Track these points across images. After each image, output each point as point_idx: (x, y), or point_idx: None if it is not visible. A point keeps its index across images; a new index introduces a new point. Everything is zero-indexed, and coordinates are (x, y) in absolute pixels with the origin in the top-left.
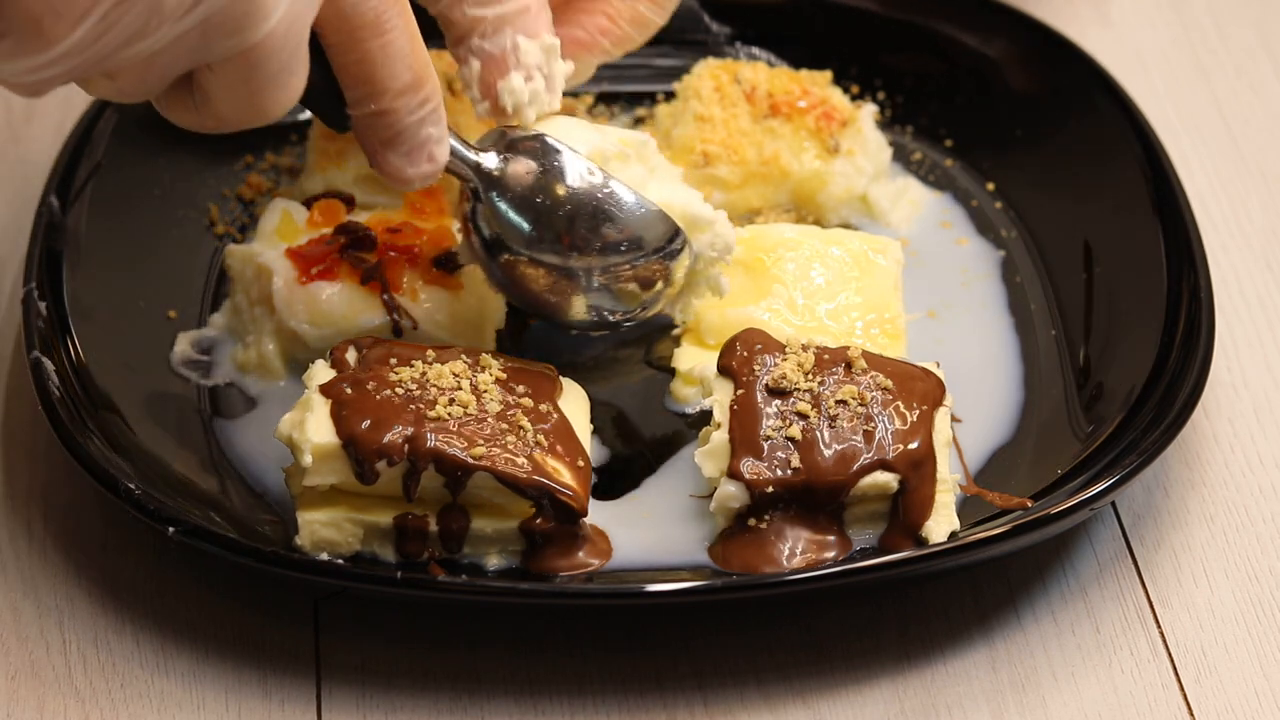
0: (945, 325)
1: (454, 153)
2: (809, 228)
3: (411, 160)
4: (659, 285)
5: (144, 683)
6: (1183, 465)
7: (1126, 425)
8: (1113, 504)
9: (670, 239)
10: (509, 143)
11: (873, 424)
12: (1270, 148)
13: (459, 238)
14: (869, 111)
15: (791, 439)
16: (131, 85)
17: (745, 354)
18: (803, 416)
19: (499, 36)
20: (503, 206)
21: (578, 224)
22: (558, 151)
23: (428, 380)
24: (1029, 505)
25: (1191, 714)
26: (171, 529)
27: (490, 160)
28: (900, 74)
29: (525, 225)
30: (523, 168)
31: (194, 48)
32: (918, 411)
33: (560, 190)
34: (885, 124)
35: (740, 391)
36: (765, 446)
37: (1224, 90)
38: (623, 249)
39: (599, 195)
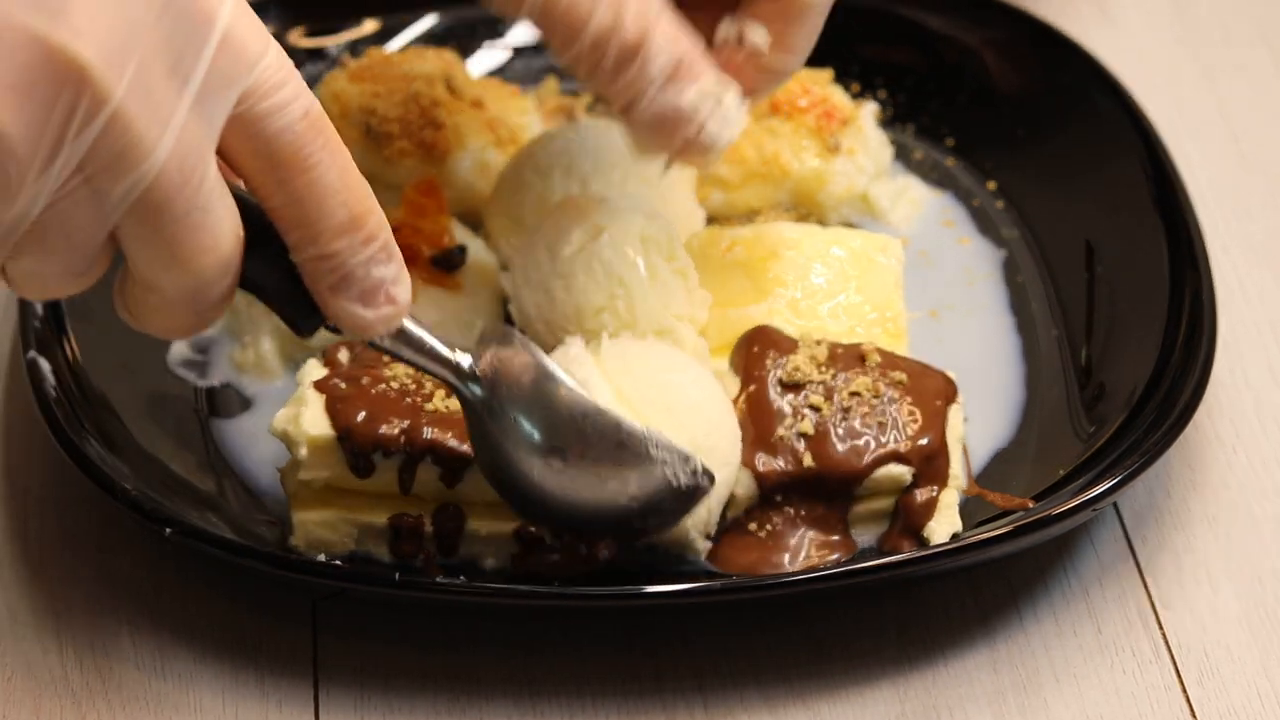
0: (946, 325)
1: (427, 349)
2: (809, 227)
3: (367, 303)
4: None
5: (140, 684)
6: (1185, 466)
7: (1128, 425)
8: (1115, 505)
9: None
10: (487, 341)
11: (886, 416)
12: (1272, 146)
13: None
14: (870, 110)
15: (804, 434)
16: (52, 260)
17: (757, 350)
18: (815, 409)
19: (666, 95)
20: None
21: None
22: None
23: (423, 375)
24: (1030, 506)
25: (1194, 716)
26: (168, 529)
27: (467, 359)
28: (901, 72)
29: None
30: (516, 365)
31: (91, 202)
32: (932, 406)
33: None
34: (886, 123)
35: (753, 387)
36: (777, 440)
37: (1226, 89)
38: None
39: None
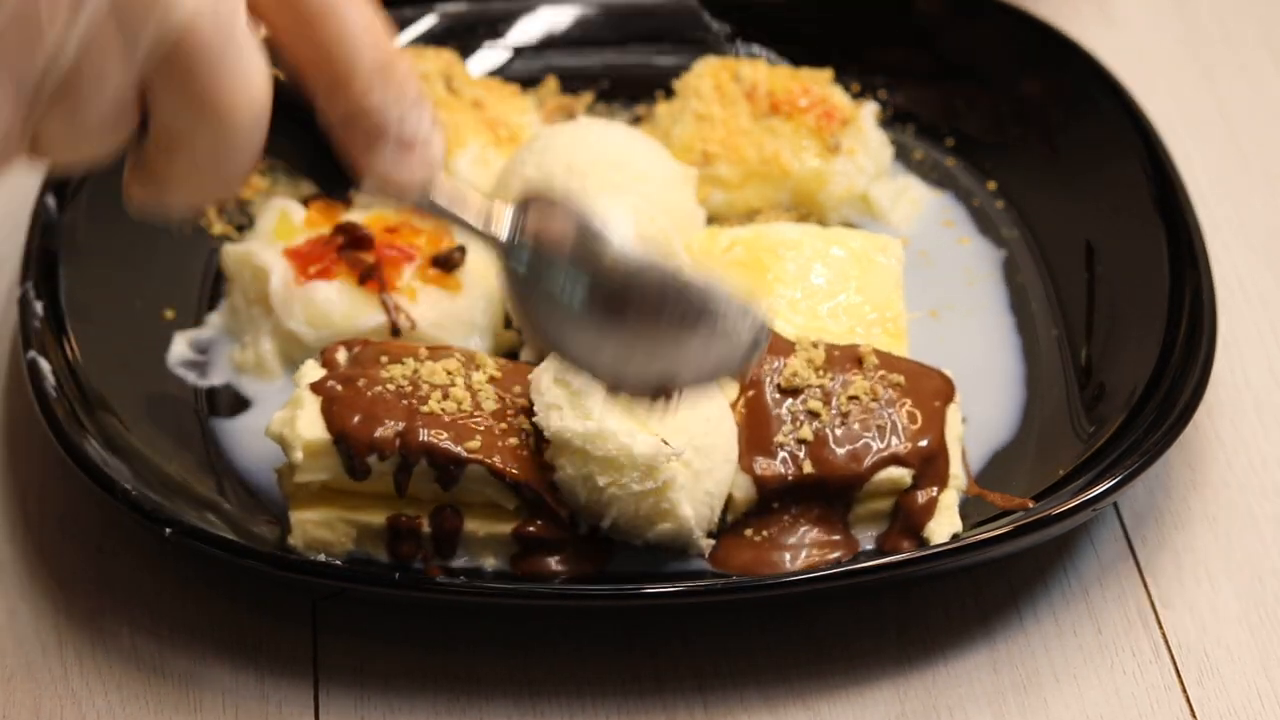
0: (946, 325)
1: (463, 220)
2: (809, 227)
3: (405, 152)
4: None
5: (141, 684)
6: (1185, 465)
7: (1128, 425)
8: (1115, 504)
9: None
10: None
11: (885, 419)
12: (1273, 146)
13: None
14: (870, 110)
15: (803, 440)
16: (84, 112)
17: None
18: (814, 415)
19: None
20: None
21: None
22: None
23: (420, 377)
24: (1030, 506)
25: (1194, 715)
26: (168, 530)
27: (506, 230)
28: (901, 72)
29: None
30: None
31: (119, 47)
32: (930, 407)
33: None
34: (886, 122)
35: (750, 392)
36: (776, 446)
37: (1226, 89)
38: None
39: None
